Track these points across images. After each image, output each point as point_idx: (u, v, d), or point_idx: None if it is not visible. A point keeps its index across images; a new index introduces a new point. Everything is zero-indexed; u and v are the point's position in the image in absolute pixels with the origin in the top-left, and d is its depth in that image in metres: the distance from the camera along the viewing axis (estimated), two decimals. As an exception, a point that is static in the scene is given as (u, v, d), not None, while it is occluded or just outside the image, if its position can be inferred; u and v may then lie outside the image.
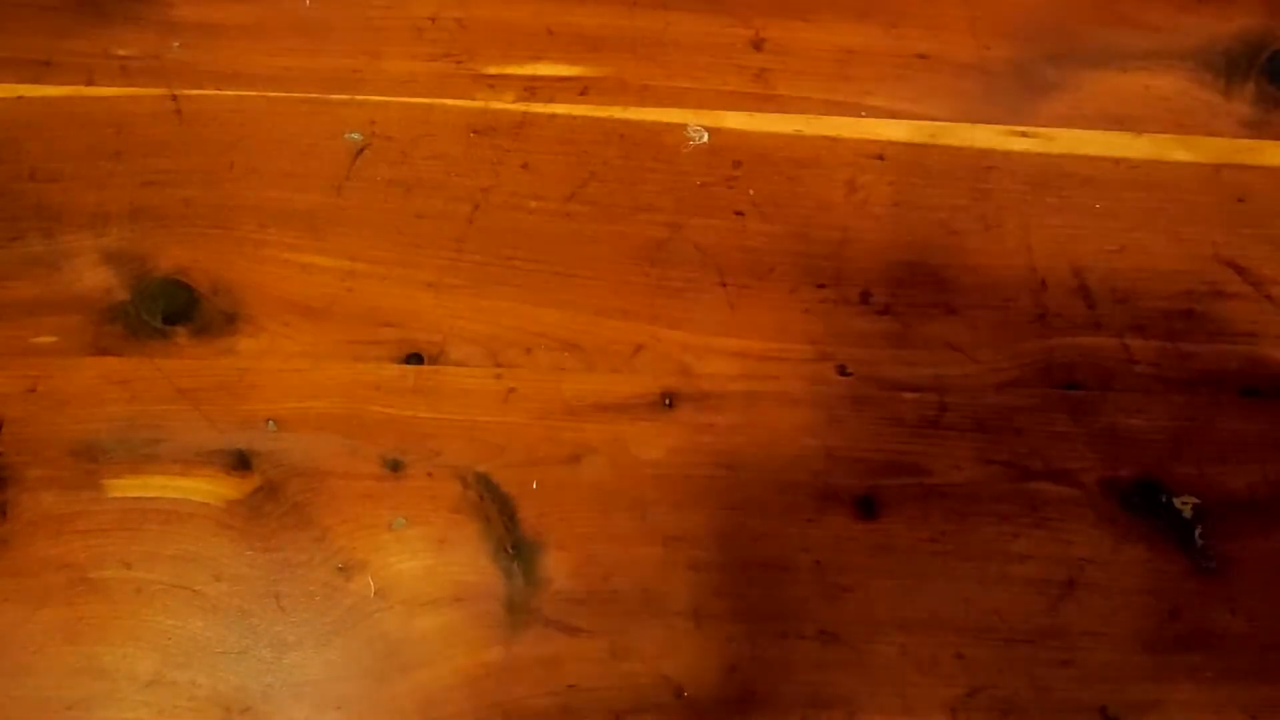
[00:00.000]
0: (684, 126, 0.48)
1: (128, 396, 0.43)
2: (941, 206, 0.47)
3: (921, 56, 0.49)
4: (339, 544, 0.42)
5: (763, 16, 0.50)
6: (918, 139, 0.48)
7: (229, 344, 0.44)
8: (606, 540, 0.42)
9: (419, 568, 0.42)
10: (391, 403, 0.44)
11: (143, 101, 0.47)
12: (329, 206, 0.46)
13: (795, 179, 0.47)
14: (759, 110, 0.48)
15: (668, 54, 0.49)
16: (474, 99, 0.48)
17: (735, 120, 0.48)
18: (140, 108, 0.47)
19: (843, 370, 0.45)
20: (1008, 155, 0.48)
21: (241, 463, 0.43)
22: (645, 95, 0.48)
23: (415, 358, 0.44)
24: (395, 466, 0.43)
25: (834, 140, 0.48)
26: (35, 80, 0.47)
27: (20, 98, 0.47)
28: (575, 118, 0.48)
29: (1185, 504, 0.44)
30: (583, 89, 0.48)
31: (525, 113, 0.48)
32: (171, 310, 0.45)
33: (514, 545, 0.42)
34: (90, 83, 0.47)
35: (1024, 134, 0.48)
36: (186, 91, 0.47)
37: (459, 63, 0.48)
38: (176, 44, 0.48)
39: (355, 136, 0.47)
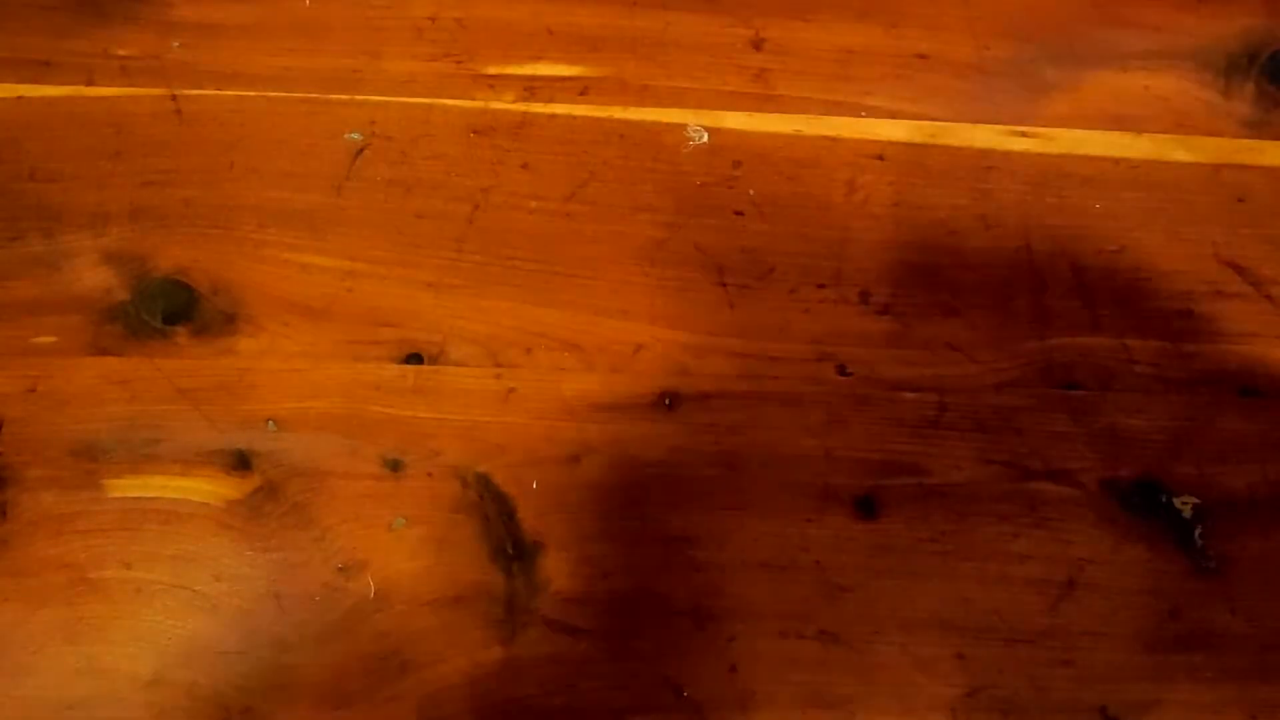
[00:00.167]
0: (684, 126, 0.48)
1: (128, 396, 0.43)
2: (941, 206, 0.47)
3: (921, 56, 0.49)
4: (339, 544, 0.42)
5: (763, 16, 0.50)
6: (918, 139, 0.48)
7: (229, 344, 0.44)
8: (606, 540, 0.42)
9: (419, 568, 0.42)
10: (391, 403, 0.44)
11: (143, 101, 0.47)
12: (329, 206, 0.46)
13: (795, 179, 0.47)
14: (759, 110, 0.48)
15: (668, 54, 0.49)
16: (474, 99, 0.48)
17: (735, 120, 0.48)
18: (140, 108, 0.47)
19: (843, 370, 0.45)
20: (1008, 155, 0.48)
21: (241, 463, 0.43)
22: (645, 95, 0.48)
23: (415, 358, 0.44)
24: (395, 466, 0.43)
25: (834, 140, 0.48)
26: (35, 80, 0.47)
27: (20, 98, 0.47)
28: (575, 118, 0.48)
29: (1185, 504, 0.44)
30: (583, 89, 0.48)
31: (525, 113, 0.48)
32: (171, 310, 0.45)
33: (514, 545, 0.42)
34: (90, 83, 0.47)
35: (1024, 134, 0.48)
36: (186, 91, 0.47)
37: (459, 63, 0.48)
38: (176, 44, 0.48)
39: (355, 136, 0.47)
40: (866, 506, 0.43)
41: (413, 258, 0.46)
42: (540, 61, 0.49)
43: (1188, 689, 0.42)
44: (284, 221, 0.46)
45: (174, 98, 0.47)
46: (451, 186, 0.47)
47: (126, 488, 0.42)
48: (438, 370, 0.44)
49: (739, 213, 0.47)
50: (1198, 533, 0.43)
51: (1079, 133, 0.48)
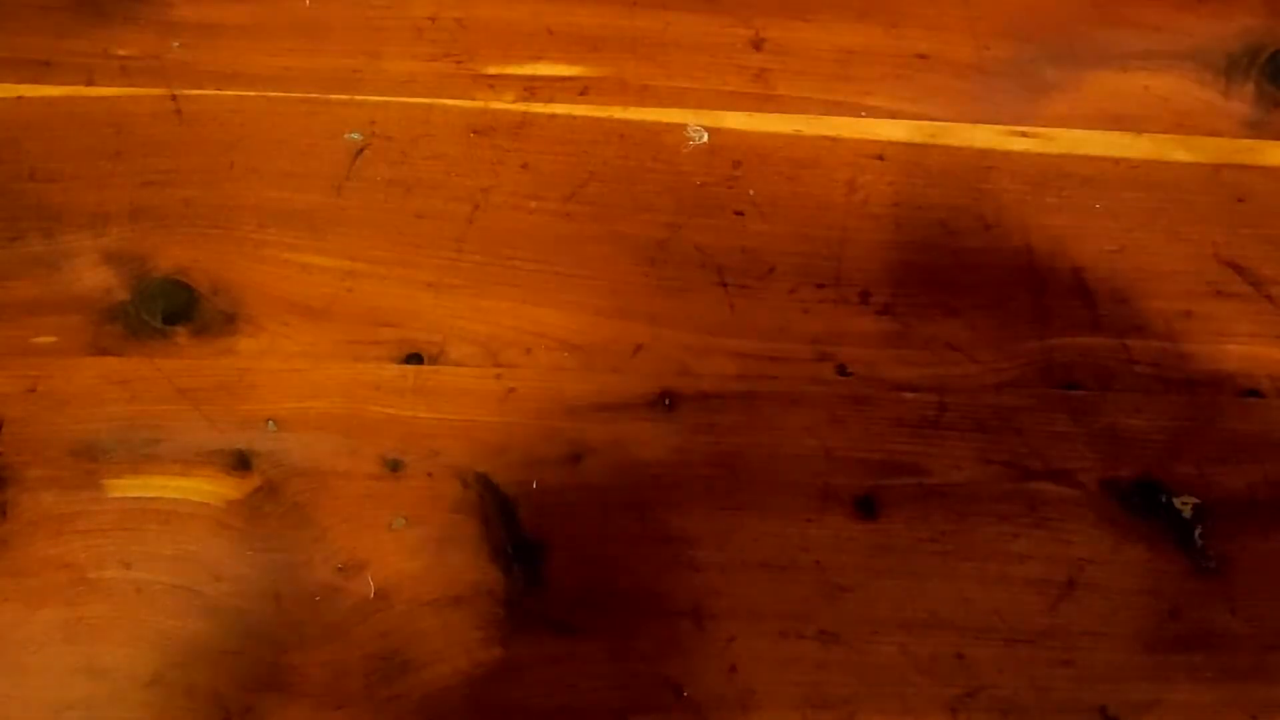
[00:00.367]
0: (684, 126, 0.48)
1: (128, 396, 0.43)
2: (941, 206, 0.47)
3: (921, 56, 0.49)
4: (339, 544, 0.42)
5: (763, 16, 0.50)
6: (918, 139, 0.48)
7: (229, 344, 0.44)
8: (606, 540, 0.42)
9: (419, 568, 0.42)
10: (391, 403, 0.44)
11: (143, 101, 0.47)
12: (329, 206, 0.46)
13: (795, 179, 0.47)
14: (759, 110, 0.48)
15: (668, 54, 0.49)
16: (474, 99, 0.48)
17: (735, 120, 0.48)
18: (140, 108, 0.47)
19: (843, 370, 0.45)
20: (1008, 155, 0.48)
21: (241, 463, 0.43)
22: (645, 95, 0.48)
23: (415, 358, 0.44)
24: (395, 466, 0.43)
25: (834, 140, 0.48)
26: (35, 80, 0.47)
27: (20, 98, 0.47)
28: (575, 118, 0.48)
29: (1185, 504, 0.44)
30: (583, 89, 0.48)
31: (525, 113, 0.48)
32: (171, 310, 0.45)
33: (514, 545, 0.42)
34: (90, 83, 0.47)
35: (1024, 134, 0.48)
36: (186, 91, 0.47)
37: (459, 63, 0.48)
38: (176, 44, 0.48)
39: (355, 136, 0.47)
40: (866, 506, 0.43)
41: (413, 258, 0.46)
42: (540, 61, 0.49)
43: (1188, 689, 0.42)
44: (284, 221, 0.46)
45: (174, 98, 0.47)
46: (451, 186, 0.47)
47: (126, 488, 0.42)
48: (438, 370, 0.44)
49: (739, 213, 0.47)
50: (1198, 533, 0.43)
51: (1079, 133, 0.48)
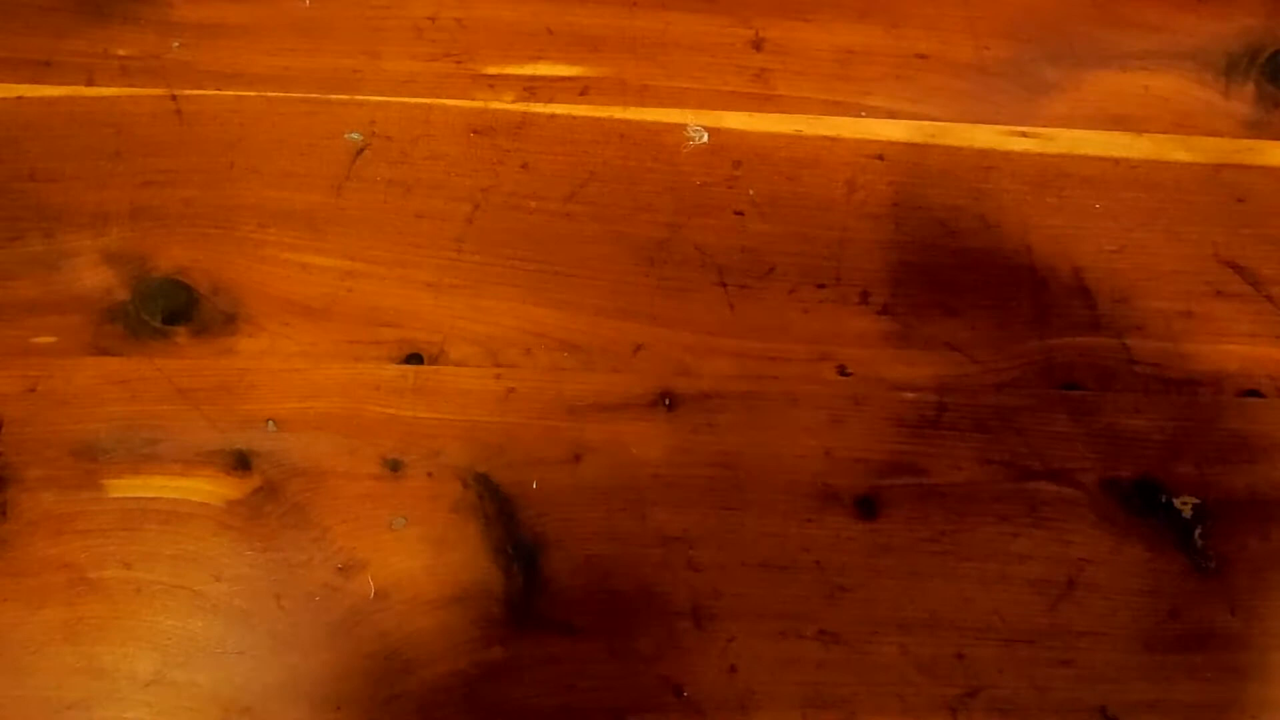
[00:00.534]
0: (684, 126, 0.48)
1: (127, 396, 0.43)
2: (941, 206, 0.47)
3: (921, 56, 0.49)
4: (339, 544, 0.42)
5: (763, 16, 0.50)
6: (918, 139, 0.48)
7: (229, 344, 0.44)
8: (606, 540, 0.42)
9: (419, 568, 0.42)
10: (391, 403, 0.44)
11: (143, 101, 0.47)
12: (329, 206, 0.46)
13: (795, 179, 0.47)
14: (759, 110, 0.48)
15: (668, 54, 0.49)
16: (474, 99, 0.48)
17: (735, 120, 0.48)
18: (140, 108, 0.47)
19: (843, 370, 0.45)
20: (1007, 155, 0.48)
21: (241, 463, 0.43)
22: (645, 95, 0.48)
23: (415, 358, 0.44)
24: (395, 466, 0.43)
25: (834, 140, 0.48)
26: (35, 80, 0.47)
27: (20, 98, 0.47)
28: (575, 118, 0.48)
29: (1185, 504, 0.44)
30: (583, 89, 0.48)
31: (525, 113, 0.48)
32: (171, 310, 0.45)
33: (514, 545, 0.42)
34: (90, 83, 0.47)
35: (1024, 134, 0.48)
36: (186, 91, 0.47)
37: (459, 63, 0.48)
38: (176, 44, 0.48)
39: (355, 136, 0.47)
40: (866, 506, 0.43)
41: (413, 258, 0.46)
42: (540, 61, 0.49)
43: (1188, 689, 0.42)
44: (284, 221, 0.46)
45: (174, 98, 0.47)
46: (451, 186, 0.47)
47: (126, 488, 0.42)
48: (438, 370, 0.44)
49: (739, 213, 0.47)
50: (1198, 533, 0.43)
51: (1079, 133, 0.48)
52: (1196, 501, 0.44)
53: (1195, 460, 0.44)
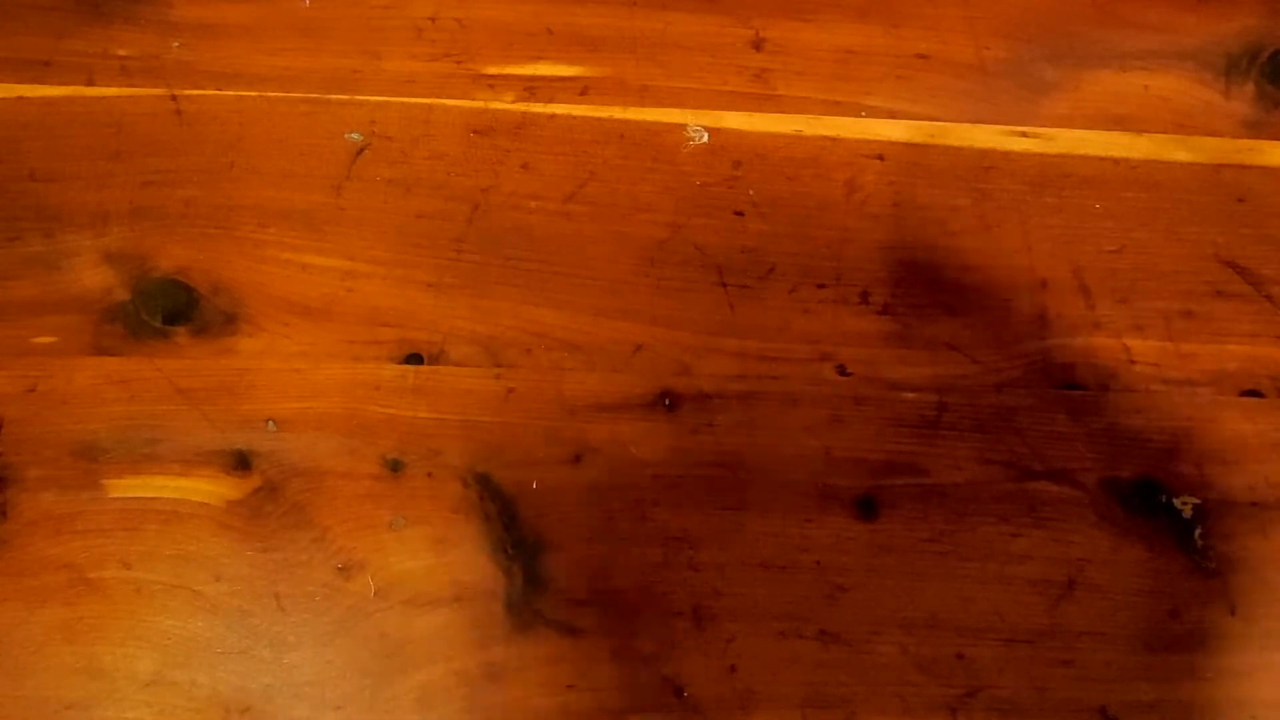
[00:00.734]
0: (684, 126, 0.48)
1: (127, 396, 0.43)
2: (941, 206, 0.47)
3: (921, 56, 0.49)
4: (339, 544, 0.42)
5: (763, 16, 0.50)
6: (917, 139, 0.48)
7: (229, 344, 0.44)
8: (606, 540, 0.42)
9: (419, 568, 0.42)
10: (391, 403, 0.44)
11: (143, 101, 0.47)
12: (329, 206, 0.46)
13: (795, 179, 0.47)
14: (759, 110, 0.48)
15: (668, 54, 0.49)
16: (474, 99, 0.48)
17: (735, 120, 0.48)
18: (140, 108, 0.47)
19: (843, 370, 0.45)
20: (1007, 155, 0.48)
21: (241, 463, 0.43)
22: (645, 95, 0.48)
23: (415, 358, 0.44)
24: (395, 466, 0.43)
25: (834, 140, 0.48)
26: (35, 80, 0.47)
27: (20, 98, 0.47)
28: (575, 118, 0.48)
29: (1185, 504, 0.44)
30: (583, 89, 0.48)
31: (525, 113, 0.48)
32: (171, 310, 0.45)
33: (514, 545, 0.42)
34: (90, 83, 0.47)
35: (1024, 134, 0.48)
36: (186, 91, 0.47)
37: (459, 63, 0.48)
38: (176, 44, 0.48)
39: (355, 136, 0.47)
40: (866, 506, 0.43)
41: (413, 258, 0.46)
42: (540, 61, 0.49)
43: (1188, 689, 0.42)
44: (284, 221, 0.46)
45: (174, 98, 0.47)
46: (451, 186, 0.47)
47: (126, 488, 0.42)
48: (437, 370, 0.44)
49: (739, 213, 0.47)
50: (1198, 533, 0.43)
51: (1079, 133, 0.48)
52: (1196, 501, 0.44)
53: (1195, 460, 0.44)
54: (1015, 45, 0.50)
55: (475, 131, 0.47)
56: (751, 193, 0.47)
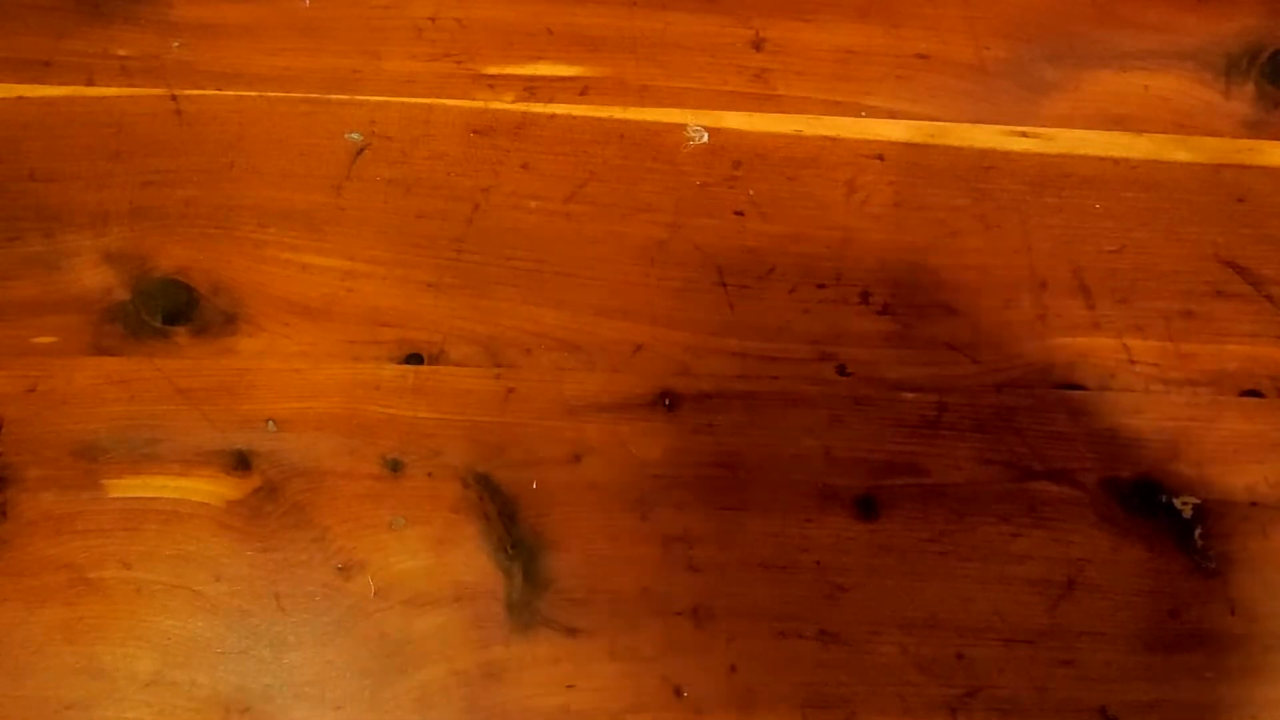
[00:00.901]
0: (684, 126, 0.48)
1: (127, 396, 0.43)
2: (941, 206, 0.47)
3: (921, 56, 0.49)
4: (339, 544, 0.42)
5: (763, 16, 0.50)
6: (918, 139, 0.48)
7: (229, 344, 0.44)
8: (606, 540, 0.42)
9: (419, 568, 0.42)
10: (391, 403, 0.44)
11: (143, 101, 0.47)
12: (329, 206, 0.46)
13: (795, 179, 0.47)
14: (759, 110, 0.48)
15: (668, 54, 0.49)
16: (474, 99, 0.48)
17: (735, 120, 0.48)
18: (140, 108, 0.47)
19: (843, 370, 0.45)
20: (1007, 155, 0.48)
21: (241, 463, 0.43)
22: (645, 95, 0.48)
23: (415, 358, 0.44)
24: (395, 466, 0.43)
25: (834, 140, 0.48)
26: (35, 80, 0.47)
27: (20, 98, 0.47)
28: (575, 118, 0.48)
29: (1185, 504, 0.44)
30: (583, 89, 0.48)
31: (525, 113, 0.48)
32: (171, 310, 0.45)
33: (514, 545, 0.42)
34: (90, 83, 0.47)
35: (1024, 134, 0.48)
36: (186, 91, 0.47)
37: (459, 63, 0.48)
38: (176, 44, 0.48)
39: (355, 136, 0.47)
40: (866, 506, 0.43)
41: (413, 258, 0.46)
42: (540, 61, 0.49)
43: (1188, 689, 0.42)
44: (284, 221, 0.46)
45: (174, 98, 0.47)
46: (451, 186, 0.47)
47: (126, 488, 0.42)
48: (438, 370, 0.44)
49: (739, 213, 0.47)
50: (1198, 533, 0.43)
51: (1079, 133, 0.48)
52: (1196, 501, 0.44)
53: (1195, 460, 0.44)
54: (1015, 45, 0.50)
55: (475, 131, 0.47)
56: (751, 193, 0.47)
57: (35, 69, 0.48)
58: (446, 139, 0.47)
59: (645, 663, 0.41)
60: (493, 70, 0.48)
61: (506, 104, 0.48)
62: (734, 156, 0.47)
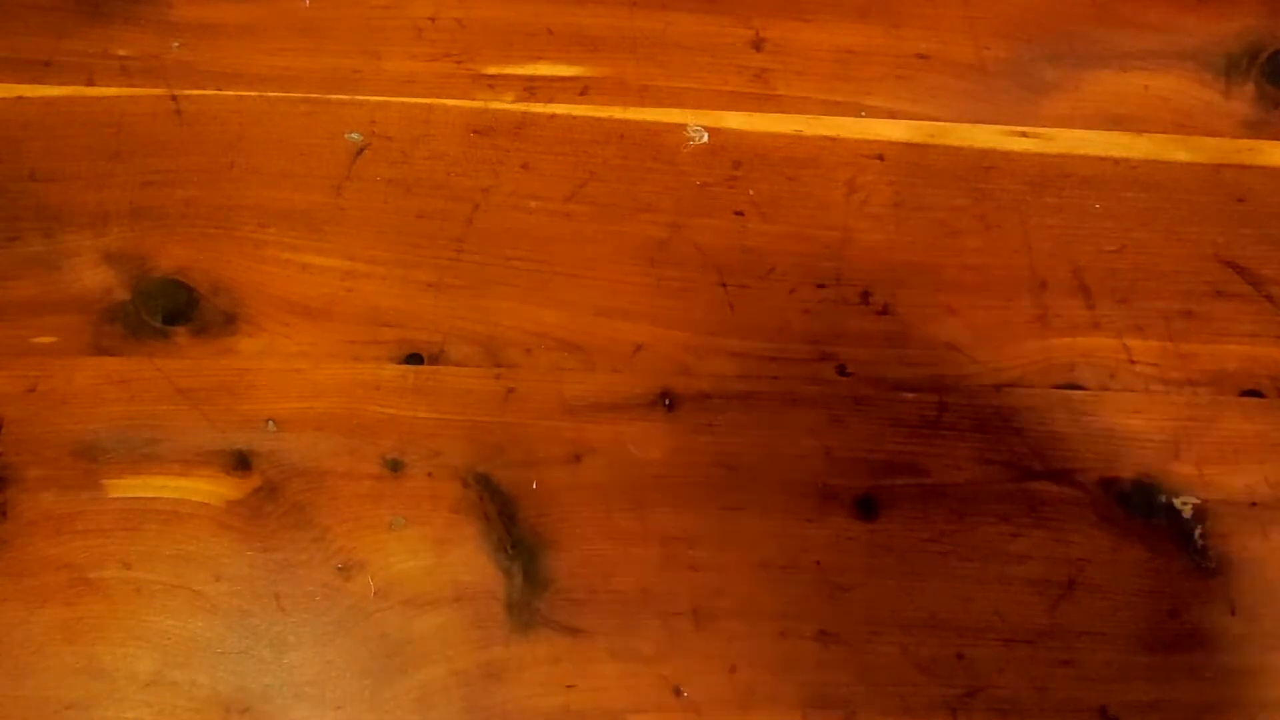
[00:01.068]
0: (684, 126, 0.48)
1: (127, 396, 0.43)
2: (941, 206, 0.47)
3: (921, 56, 0.49)
4: (339, 544, 0.42)
5: (763, 16, 0.50)
6: (918, 139, 0.48)
7: (229, 344, 0.44)
8: (606, 540, 0.42)
9: (419, 568, 0.42)
10: (391, 403, 0.44)
11: (143, 101, 0.47)
12: (329, 206, 0.46)
13: (795, 179, 0.47)
14: (759, 110, 0.48)
15: (668, 54, 0.49)
16: (474, 99, 0.48)
17: (735, 120, 0.48)
18: (140, 108, 0.47)
19: (843, 370, 0.45)
20: (1007, 155, 0.48)
21: (241, 463, 0.43)
22: (645, 95, 0.48)
23: (415, 358, 0.44)
24: (395, 466, 0.43)
25: (834, 140, 0.48)
26: (35, 80, 0.47)
27: (20, 98, 0.47)
28: (575, 118, 0.48)
29: (1185, 504, 0.44)
30: (583, 89, 0.48)
31: (525, 113, 0.48)
32: (171, 310, 0.45)
33: (514, 545, 0.42)
34: (90, 83, 0.47)
35: (1024, 134, 0.48)
36: (186, 91, 0.47)
37: (459, 63, 0.48)
38: (176, 44, 0.48)
39: (355, 136, 0.47)
40: (866, 506, 0.43)
41: (413, 258, 0.46)
42: (540, 61, 0.49)
43: (1188, 689, 0.42)
44: (284, 221, 0.46)
45: (174, 98, 0.47)
46: (451, 186, 0.47)
47: (126, 488, 0.42)
48: (438, 370, 0.44)
49: (739, 213, 0.47)
50: (1198, 533, 0.43)
51: (1079, 133, 0.48)
52: (1196, 501, 0.44)
53: (1195, 460, 0.44)
54: (1015, 45, 0.50)
55: (475, 131, 0.47)
56: (751, 193, 0.47)
57: (35, 69, 0.48)
58: (446, 139, 0.47)
59: (645, 663, 0.41)
60: (493, 70, 0.48)
61: (506, 104, 0.48)
62: (734, 156, 0.47)
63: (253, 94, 0.48)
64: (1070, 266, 0.47)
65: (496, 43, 0.49)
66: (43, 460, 0.43)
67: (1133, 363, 0.45)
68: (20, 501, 0.42)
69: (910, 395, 0.45)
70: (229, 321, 0.44)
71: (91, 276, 0.45)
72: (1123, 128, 0.49)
